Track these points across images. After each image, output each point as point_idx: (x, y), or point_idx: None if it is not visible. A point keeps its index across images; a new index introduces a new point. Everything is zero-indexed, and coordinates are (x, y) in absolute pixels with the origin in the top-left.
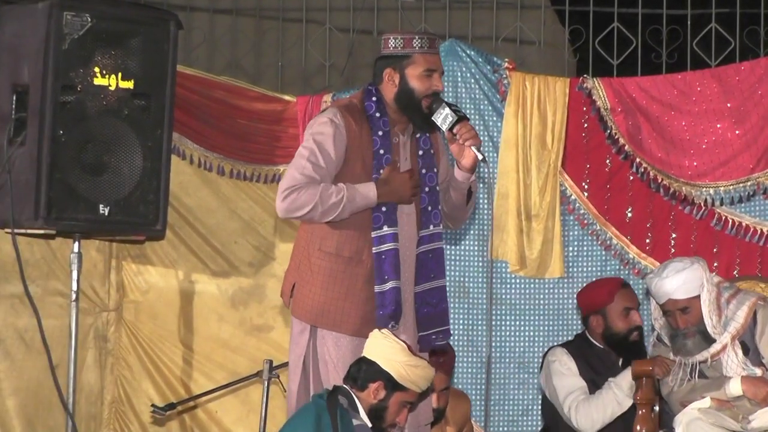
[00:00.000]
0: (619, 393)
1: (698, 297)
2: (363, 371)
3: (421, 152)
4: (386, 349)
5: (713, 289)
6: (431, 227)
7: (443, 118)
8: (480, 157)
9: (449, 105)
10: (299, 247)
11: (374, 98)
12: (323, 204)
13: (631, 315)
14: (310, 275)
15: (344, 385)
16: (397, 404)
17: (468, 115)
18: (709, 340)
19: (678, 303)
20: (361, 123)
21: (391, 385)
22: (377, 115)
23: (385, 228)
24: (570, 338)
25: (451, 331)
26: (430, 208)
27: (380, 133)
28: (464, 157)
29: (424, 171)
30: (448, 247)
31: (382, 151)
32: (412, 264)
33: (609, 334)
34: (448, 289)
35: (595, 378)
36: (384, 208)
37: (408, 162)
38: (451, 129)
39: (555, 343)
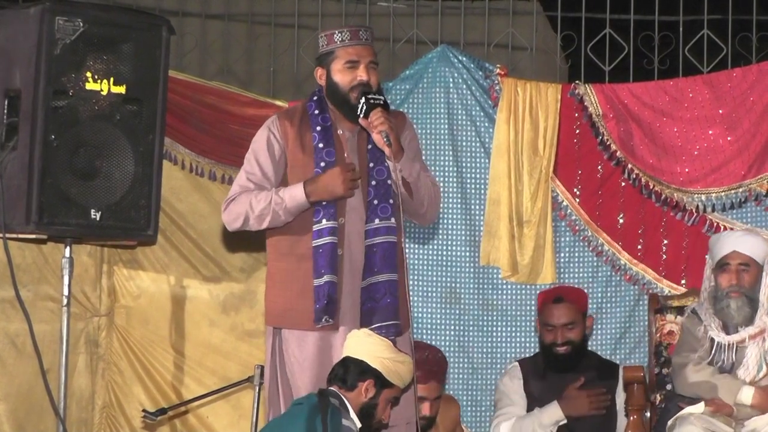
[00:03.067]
0: (537, 425)
1: (760, 265)
2: (351, 371)
3: (369, 146)
4: (372, 347)
5: None
6: (376, 221)
7: (360, 108)
8: (384, 142)
9: (366, 94)
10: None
11: (315, 98)
12: (253, 211)
13: (555, 331)
14: (272, 279)
15: (332, 388)
16: (384, 401)
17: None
18: (753, 308)
19: (742, 256)
20: (301, 123)
21: (380, 382)
22: (316, 112)
23: (324, 222)
24: None
25: (443, 336)
26: (376, 202)
27: (318, 128)
28: (382, 146)
29: (371, 165)
30: (440, 252)
31: (321, 145)
32: (360, 259)
33: (539, 342)
34: (439, 294)
35: (537, 394)
36: (324, 202)
37: (355, 156)
38: (367, 117)
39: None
